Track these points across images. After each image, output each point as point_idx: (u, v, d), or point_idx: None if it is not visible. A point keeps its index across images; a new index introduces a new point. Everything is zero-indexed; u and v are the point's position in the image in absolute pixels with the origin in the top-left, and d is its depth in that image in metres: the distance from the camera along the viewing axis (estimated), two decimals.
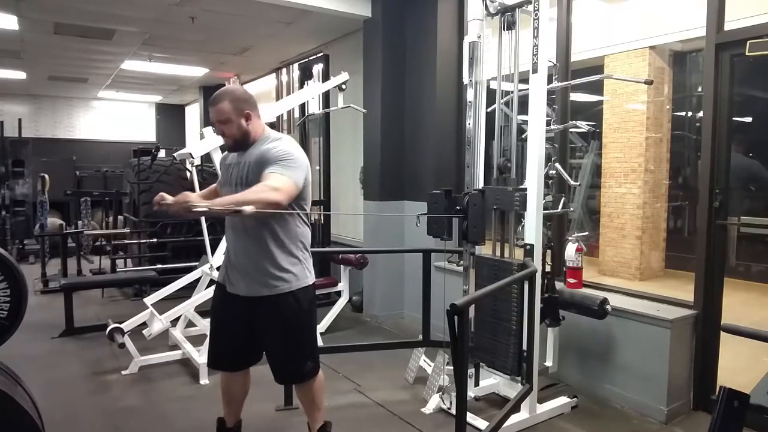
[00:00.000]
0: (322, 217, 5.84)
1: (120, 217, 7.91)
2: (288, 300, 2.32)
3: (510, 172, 3.14)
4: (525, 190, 2.99)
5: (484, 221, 3.03)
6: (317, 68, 5.91)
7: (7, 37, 6.26)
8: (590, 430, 3.07)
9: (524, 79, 3.05)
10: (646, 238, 5.76)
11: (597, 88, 6.06)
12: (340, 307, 4.69)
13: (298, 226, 2.37)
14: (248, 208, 2.00)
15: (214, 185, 2.68)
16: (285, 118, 7.69)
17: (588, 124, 4.13)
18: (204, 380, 3.66)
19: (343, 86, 4.58)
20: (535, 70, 2.92)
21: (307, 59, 6.50)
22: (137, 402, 3.42)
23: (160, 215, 5.92)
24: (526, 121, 3.05)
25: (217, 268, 4.22)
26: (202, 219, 4.15)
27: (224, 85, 8.87)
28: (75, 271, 6.59)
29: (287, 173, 2.19)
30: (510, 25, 3.13)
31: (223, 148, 2.51)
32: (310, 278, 2.42)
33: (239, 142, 2.36)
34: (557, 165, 3.44)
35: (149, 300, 4.13)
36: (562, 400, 3.26)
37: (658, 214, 5.93)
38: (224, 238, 2.57)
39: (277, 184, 2.13)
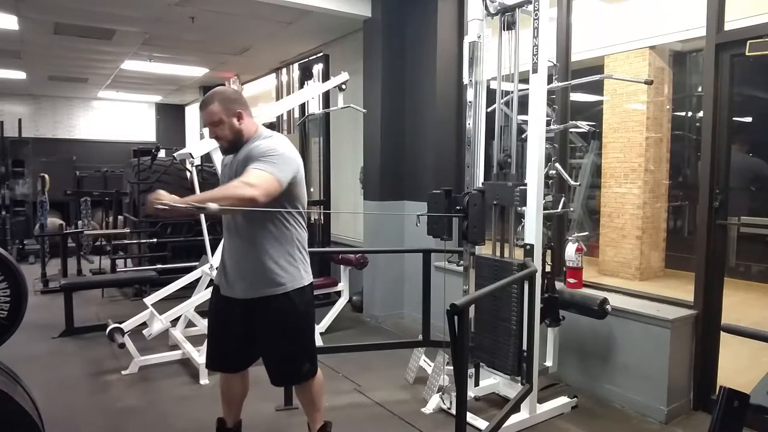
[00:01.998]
0: (322, 217, 5.84)
1: (120, 217, 7.90)
2: (283, 301, 2.29)
3: (510, 167, 3.14)
4: (525, 185, 2.99)
5: (484, 221, 3.03)
6: (317, 68, 5.91)
7: (7, 37, 6.26)
8: (590, 430, 3.07)
9: (524, 79, 3.05)
10: (646, 238, 5.75)
11: (597, 88, 6.06)
12: (340, 307, 4.69)
13: (292, 226, 2.33)
14: (212, 206, 1.94)
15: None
16: (285, 118, 7.69)
17: (588, 124, 4.12)
18: (204, 380, 3.66)
19: (343, 86, 4.58)
20: (535, 70, 2.92)
21: (307, 59, 6.50)
22: (137, 402, 3.42)
23: (152, 215, 5.92)
24: (526, 121, 3.05)
25: (217, 269, 4.25)
26: (202, 219, 4.15)
27: (224, 85, 8.89)
28: (75, 271, 6.59)
29: (268, 169, 2.13)
30: (510, 25, 3.14)
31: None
32: (307, 279, 2.38)
33: (233, 143, 2.32)
34: (557, 165, 3.44)
35: (149, 300, 4.13)
36: (562, 400, 3.26)
37: (658, 214, 5.93)
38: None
39: (253, 180, 2.06)
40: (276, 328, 2.34)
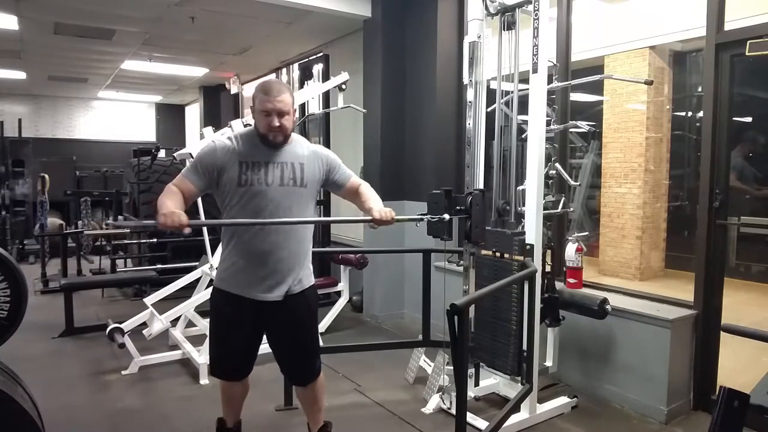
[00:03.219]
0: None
1: (120, 217, 7.90)
2: (310, 295, 2.39)
3: (509, 215, 3.16)
4: (523, 234, 3.02)
5: (485, 221, 3.02)
6: (317, 68, 5.91)
7: (7, 37, 6.26)
8: (590, 430, 3.07)
9: (524, 79, 3.05)
10: (646, 238, 5.76)
11: (597, 88, 6.06)
12: (340, 307, 4.70)
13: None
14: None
15: (175, 187, 2.24)
16: None
17: (588, 124, 4.12)
18: (204, 380, 3.66)
19: (343, 86, 4.58)
20: (535, 70, 2.93)
21: (307, 59, 6.51)
22: (137, 402, 3.41)
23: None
24: (526, 121, 3.05)
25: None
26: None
27: (224, 85, 8.88)
28: (75, 271, 6.59)
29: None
30: (510, 25, 3.14)
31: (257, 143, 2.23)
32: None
33: (287, 138, 2.27)
34: (557, 165, 3.45)
35: (149, 300, 4.13)
36: (562, 400, 3.26)
37: (658, 214, 5.93)
38: (231, 240, 2.29)
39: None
40: (305, 324, 2.38)
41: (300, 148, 2.32)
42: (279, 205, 2.22)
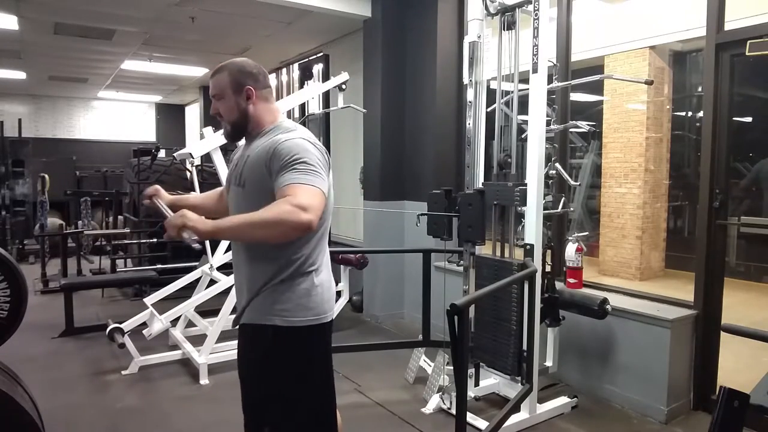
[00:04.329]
0: None
1: (120, 217, 7.91)
2: (252, 338, 1.83)
3: (510, 167, 3.14)
4: (525, 185, 2.99)
5: (483, 221, 3.02)
6: (317, 68, 5.91)
7: (7, 37, 6.26)
8: (590, 430, 3.07)
9: (524, 79, 3.05)
10: (646, 238, 5.76)
11: (597, 88, 6.07)
12: (340, 307, 4.69)
13: None
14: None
15: (220, 188, 2.12)
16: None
17: (588, 124, 4.13)
18: (204, 380, 3.66)
19: (343, 86, 4.58)
20: (535, 70, 2.92)
21: (307, 59, 6.50)
22: (137, 402, 3.41)
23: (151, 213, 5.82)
24: (526, 121, 3.05)
25: (218, 269, 4.24)
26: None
27: None
28: (75, 271, 6.59)
29: (316, 182, 1.60)
30: (510, 25, 3.14)
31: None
32: None
33: (236, 126, 1.81)
34: (557, 165, 3.44)
35: (149, 300, 4.13)
36: (562, 400, 3.26)
37: (658, 214, 5.94)
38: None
39: (305, 201, 1.53)
40: (247, 369, 1.90)
41: (262, 140, 1.75)
42: (232, 210, 1.82)
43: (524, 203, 2.97)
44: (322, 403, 1.79)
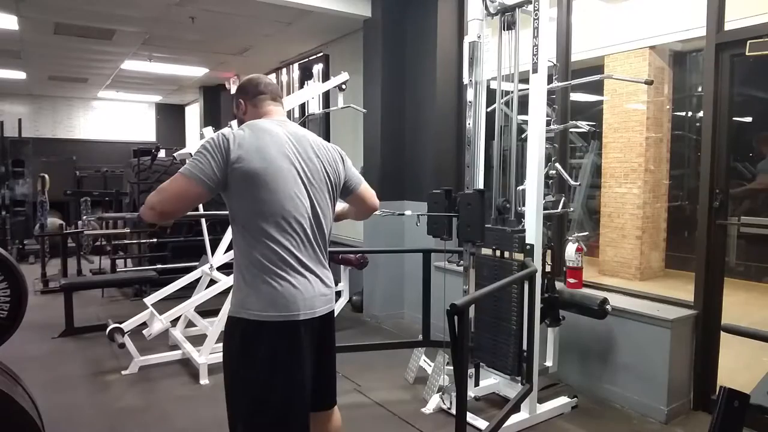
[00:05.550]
0: None
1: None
2: (227, 330, 1.83)
3: (509, 213, 3.16)
4: (523, 231, 3.02)
5: (483, 221, 3.02)
6: (317, 68, 5.92)
7: (7, 37, 6.26)
8: (590, 430, 3.07)
9: (524, 79, 3.05)
10: (646, 238, 5.76)
11: (597, 88, 6.07)
12: (340, 307, 4.69)
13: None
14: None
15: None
16: None
17: (588, 124, 4.13)
18: (204, 380, 3.66)
19: (343, 86, 4.58)
20: (535, 70, 2.92)
21: (307, 59, 6.51)
22: (137, 402, 3.41)
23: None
24: (526, 121, 3.05)
25: (218, 269, 4.24)
26: (202, 219, 4.15)
27: (224, 85, 8.88)
28: (75, 271, 6.59)
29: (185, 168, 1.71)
30: (510, 25, 3.14)
31: None
32: None
33: None
34: (557, 165, 3.44)
35: (149, 300, 4.13)
36: (562, 400, 3.26)
37: (658, 214, 5.94)
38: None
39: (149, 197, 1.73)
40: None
41: None
42: None
43: (522, 250, 3.01)
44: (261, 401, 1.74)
